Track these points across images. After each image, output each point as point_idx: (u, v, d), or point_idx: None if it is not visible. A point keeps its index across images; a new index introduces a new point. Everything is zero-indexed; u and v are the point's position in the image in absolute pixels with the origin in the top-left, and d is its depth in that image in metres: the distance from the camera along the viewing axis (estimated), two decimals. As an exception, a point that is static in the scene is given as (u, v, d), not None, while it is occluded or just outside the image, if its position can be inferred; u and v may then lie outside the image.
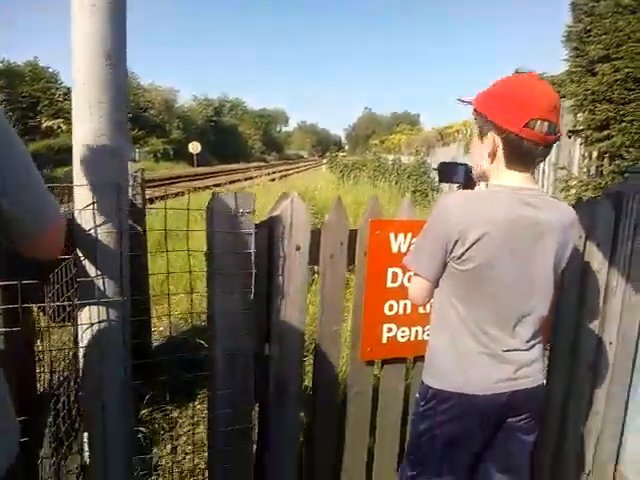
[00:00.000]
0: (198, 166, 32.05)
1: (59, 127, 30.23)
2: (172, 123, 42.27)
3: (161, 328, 4.16)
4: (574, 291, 2.08)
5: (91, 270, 1.39)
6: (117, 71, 1.38)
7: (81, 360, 1.48)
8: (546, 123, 1.29)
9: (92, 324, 1.42)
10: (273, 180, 13.79)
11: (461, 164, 1.64)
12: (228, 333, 1.56)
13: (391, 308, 1.83)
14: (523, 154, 1.34)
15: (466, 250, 1.33)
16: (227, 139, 54.47)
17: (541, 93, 1.32)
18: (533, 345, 1.46)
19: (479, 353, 1.41)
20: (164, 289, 3.78)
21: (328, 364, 1.79)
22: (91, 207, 1.36)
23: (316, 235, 1.72)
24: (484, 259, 1.33)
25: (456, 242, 1.33)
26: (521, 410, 1.48)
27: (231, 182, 17.07)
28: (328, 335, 1.78)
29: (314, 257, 1.73)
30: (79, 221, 1.39)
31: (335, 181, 14.25)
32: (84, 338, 1.45)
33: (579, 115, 5.48)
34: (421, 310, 1.81)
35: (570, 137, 5.88)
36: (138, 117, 36.19)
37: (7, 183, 0.92)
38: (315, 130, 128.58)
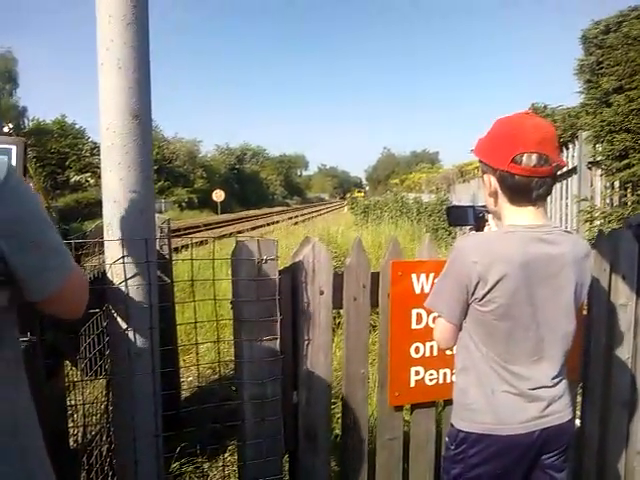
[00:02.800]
0: (222, 213, 32.61)
1: (87, 181, 31.27)
2: (196, 173, 43.32)
3: (190, 378, 4.16)
4: (602, 327, 2.05)
5: (122, 323, 1.44)
6: (144, 128, 1.46)
7: (113, 413, 1.51)
8: (534, 155, 1.31)
9: (123, 377, 1.45)
10: (296, 224, 13.90)
11: (469, 206, 1.67)
12: (255, 381, 1.57)
13: (417, 350, 1.82)
14: (520, 189, 1.36)
15: (488, 292, 1.34)
16: (250, 186, 55.53)
17: (528, 128, 1.35)
18: (559, 381, 1.45)
19: (507, 393, 1.41)
20: (192, 339, 3.81)
21: (357, 409, 1.78)
22: (121, 261, 1.41)
23: (339, 279, 1.74)
24: (506, 299, 1.34)
25: (477, 284, 1.35)
26: (552, 447, 1.45)
27: (254, 228, 17.28)
28: (355, 379, 1.77)
29: (338, 300, 1.75)
30: (109, 275, 1.45)
31: (357, 222, 14.31)
32: (115, 391, 1.48)
33: (597, 146, 5.48)
34: (448, 352, 1.80)
35: (590, 168, 5.86)
36: (163, 168, 37.24)
37: (14, 244, 0.92)
38: (335, 173, 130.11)
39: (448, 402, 1.88)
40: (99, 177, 1.52)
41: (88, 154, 32.77)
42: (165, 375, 1.63)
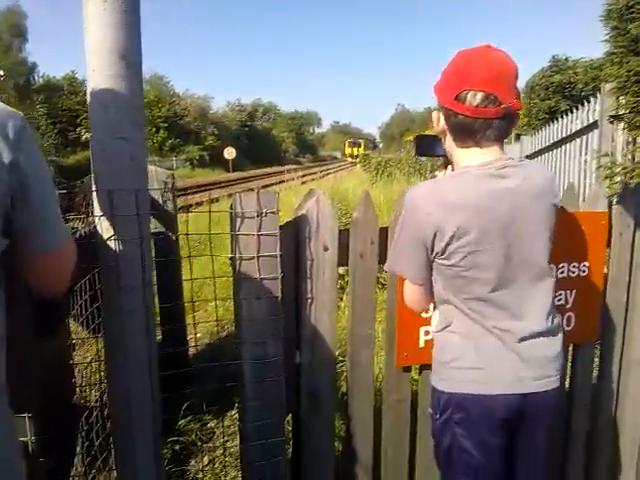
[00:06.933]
0: (234, 171, 32.42)
1: (99, 139, 31.13)
2: (207, 130, 42.87)
3: (198, 335, 4.15)
4: (623, 286, 1.95)
5: (112, 279, 1.36)
6: (132, 70, 1.34)
7: (107, 373, 1.45)
8: (479, 94, 1.19)
9: (116, 335, 1.38)
10: (304, 183, 13.70)
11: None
12: (256, 340, 1.50)
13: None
14: (463, 129, 1.25)
15: (447, 243, 1.23)
16: (261, 143, 54.99)
17: (480, 63, 1.22)
18: (549, 326, 1.32)
19: (495, 347, 1.29)
20: (200, 295, 3.78)
21: (362, 370, 1.71)
22: (110, 214, 1.32)
23: (345, 234, 1.64)
24: (470, 247, 1.23)
25: (434, 237, 1.24)
26: (540, 412, 1.34)
27: (265, 186, 17.15)
28: (360, 339, 1.70)
29: (344, 257, 1.65)
30: (99, 229, 1.36)
31: (369, 180, 14.10)
32: (109, 350, 1.42)
33: (621, 98, 5.20)
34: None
35: (612, 122, 5.60)
36: (174, 125, 36.90)
37: (27, 192, 0.92)
38: (348, 130, 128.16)
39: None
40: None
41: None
42: (170, 332, 1.57)
